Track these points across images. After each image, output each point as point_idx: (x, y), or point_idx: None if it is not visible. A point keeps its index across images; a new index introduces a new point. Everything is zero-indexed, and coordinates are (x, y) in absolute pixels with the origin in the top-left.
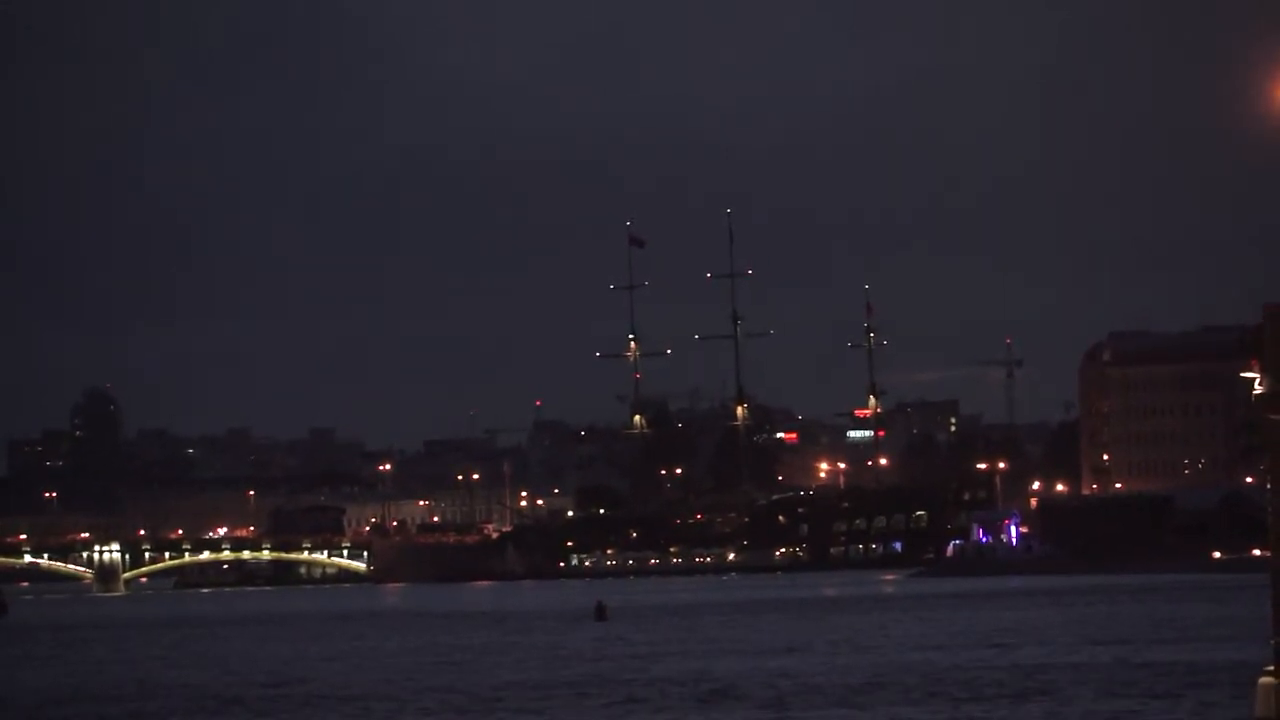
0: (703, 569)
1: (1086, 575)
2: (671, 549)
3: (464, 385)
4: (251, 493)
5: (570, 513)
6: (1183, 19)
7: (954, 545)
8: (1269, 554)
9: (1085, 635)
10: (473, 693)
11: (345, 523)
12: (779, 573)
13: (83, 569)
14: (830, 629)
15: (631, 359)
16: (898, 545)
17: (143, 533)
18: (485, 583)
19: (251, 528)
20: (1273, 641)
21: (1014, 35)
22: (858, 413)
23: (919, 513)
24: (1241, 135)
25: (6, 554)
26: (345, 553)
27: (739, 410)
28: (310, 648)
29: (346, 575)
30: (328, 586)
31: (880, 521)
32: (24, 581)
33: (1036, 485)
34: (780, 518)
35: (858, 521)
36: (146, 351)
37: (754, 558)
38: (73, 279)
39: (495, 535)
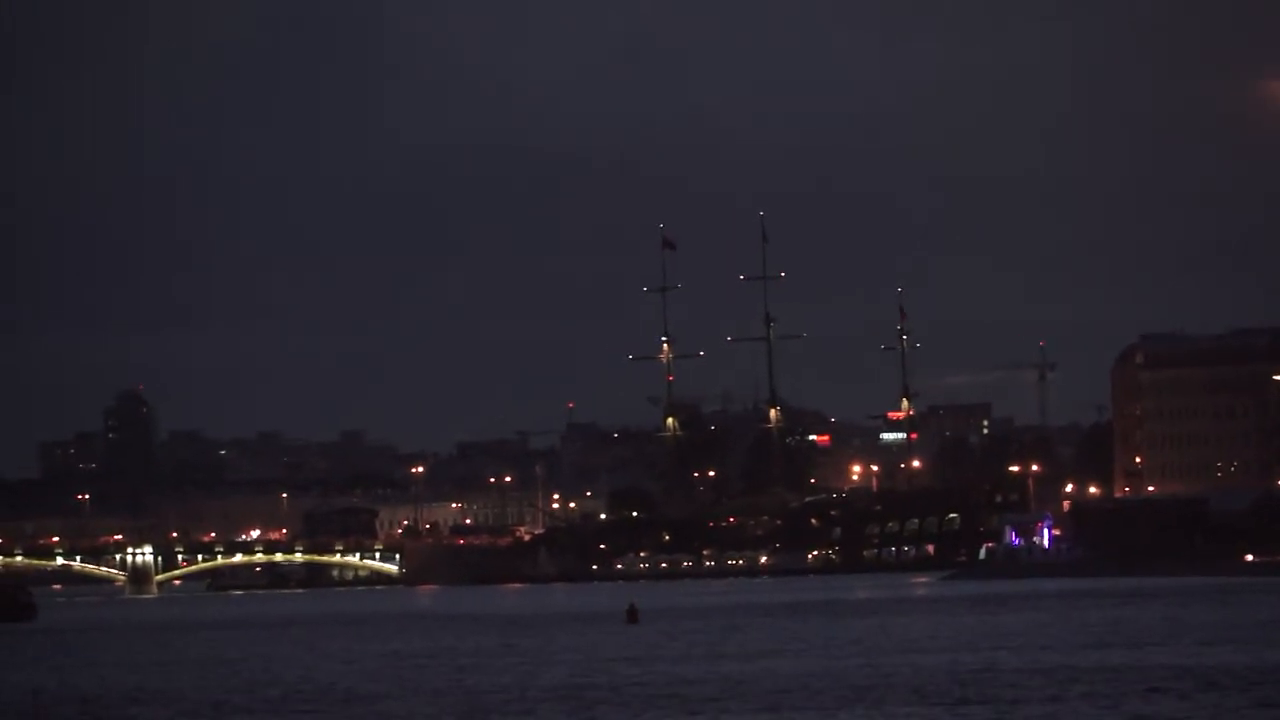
0: (735, 572)
1: (1120, 578)
2: (704, 552)
3: (496, 387)
4: (284, 495)
5: (603, 515)
6: (1215, 18)
7: (987, 548)
8: None
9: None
10: (497, 696)
11: (377, 525)
12: (811, 575)
13: (115, 571)
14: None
15: (664, 361)
16: (930, 548)
17: (175, 535)
18: (517, 585)
19: (284, 530)
20: None
21: (1052, 36)
22: (890, 415)
23: (951, 515)
24: (1275, 136)
25: (39, 556)
26: (378, 555)
27: (772, 413)
28: (343, 649)
29: (379, 578)
30: (360, 589)
31: (913, 524)
32: (57, 584)
33: (1069, 488)
34: (813, 520)
35: (890, 524)
36: (178, 354)
37: (786, 560)
38: (105, 281)
39: (527, 538)
